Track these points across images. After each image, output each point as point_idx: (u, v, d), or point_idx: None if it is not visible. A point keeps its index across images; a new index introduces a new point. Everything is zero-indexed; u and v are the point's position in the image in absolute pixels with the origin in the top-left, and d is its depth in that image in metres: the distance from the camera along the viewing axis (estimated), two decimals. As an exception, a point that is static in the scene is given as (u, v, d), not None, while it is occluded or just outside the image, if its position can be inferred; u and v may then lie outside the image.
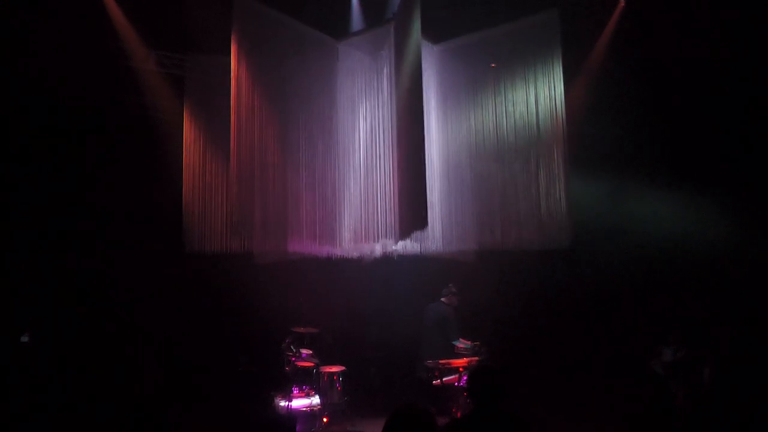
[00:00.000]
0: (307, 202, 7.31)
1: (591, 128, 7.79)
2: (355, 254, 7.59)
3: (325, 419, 7.16)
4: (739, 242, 7.36)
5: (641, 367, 7.37)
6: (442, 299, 7.69)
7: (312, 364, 7.34)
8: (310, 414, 7.00)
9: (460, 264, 7.92)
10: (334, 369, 7.42)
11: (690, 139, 7.70)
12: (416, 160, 6.20)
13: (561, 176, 7.01)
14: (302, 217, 7.25)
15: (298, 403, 6.97)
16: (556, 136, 7.04)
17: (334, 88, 7.65)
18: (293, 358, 7.31)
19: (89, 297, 7.60)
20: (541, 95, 7.13)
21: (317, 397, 7.12)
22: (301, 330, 7.56)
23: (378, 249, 7.36)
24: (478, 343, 7.20)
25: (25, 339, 7.12)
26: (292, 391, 6.99)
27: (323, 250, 7.49)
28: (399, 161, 6.76)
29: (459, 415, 6.61)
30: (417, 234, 6.84)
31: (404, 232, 6.67)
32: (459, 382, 6.81)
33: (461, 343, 7.30)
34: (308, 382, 7.22)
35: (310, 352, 7.57)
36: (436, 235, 7.49)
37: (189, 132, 7.73)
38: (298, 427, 6.21)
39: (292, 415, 6.70)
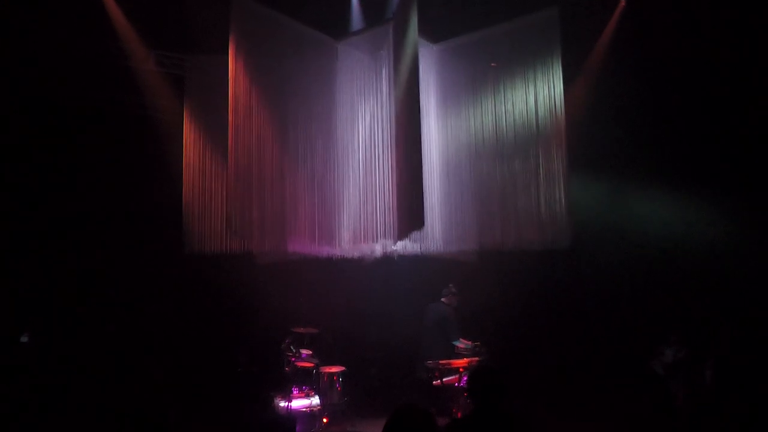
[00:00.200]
0: (306, 202, 7.29)
1: (591, 128, 7.80)
2: (355, 254, 7.58)
3: (324, 420, 7.16)
4: (739, 242, 7.37)
5: (641, 368, 7.37)
6: (442, 299, 7.69)
7: (312, 365, 7.34)
8: (310, 414, 6.99)
9: (460, 264, 7.91)
10: (334, 369, 7.42)
11: (690, 139, 7.71)
12: (413, 160, 6.19)
13: (561, 176, 6.99)
14: (301, 217, 7.23)
15: (298, 403, 6.96)
16: (556, 136, 7.02)
17: (334, 88, 7.62)
18: (293, 359, 7.30)
19: (89, 297, 7.59)
20: (540, 95, 7.11)
21: (317, 397, 7.11)
22: (301, 330, 7.55)
23: (378, 249, 7.35)
24: (478, 343, 7.20)
25: (24, 339, 7.13)
26: (291, 392, 6.98)
27: (323, 250, 7.47)
28: (397, 161, 6.76)
29: (459, 415, 6.61)
30: (417, 234, 6.83)
31: (402, 233, 6.66)
32: (459, 382, 6.81)
33: (461, 344, 7.30)
34: (308, 382, 7.21)
35: (310, 352, 7.56)
36: (436, 235, 7.48)
37: (189, 132, 7.71)
38: (297, 428, 6.21)
39: (292, 415, 6.68)
